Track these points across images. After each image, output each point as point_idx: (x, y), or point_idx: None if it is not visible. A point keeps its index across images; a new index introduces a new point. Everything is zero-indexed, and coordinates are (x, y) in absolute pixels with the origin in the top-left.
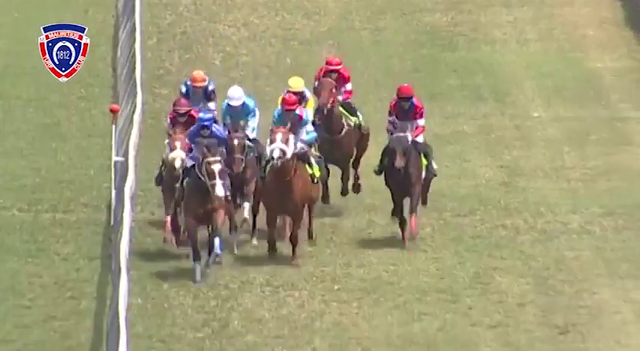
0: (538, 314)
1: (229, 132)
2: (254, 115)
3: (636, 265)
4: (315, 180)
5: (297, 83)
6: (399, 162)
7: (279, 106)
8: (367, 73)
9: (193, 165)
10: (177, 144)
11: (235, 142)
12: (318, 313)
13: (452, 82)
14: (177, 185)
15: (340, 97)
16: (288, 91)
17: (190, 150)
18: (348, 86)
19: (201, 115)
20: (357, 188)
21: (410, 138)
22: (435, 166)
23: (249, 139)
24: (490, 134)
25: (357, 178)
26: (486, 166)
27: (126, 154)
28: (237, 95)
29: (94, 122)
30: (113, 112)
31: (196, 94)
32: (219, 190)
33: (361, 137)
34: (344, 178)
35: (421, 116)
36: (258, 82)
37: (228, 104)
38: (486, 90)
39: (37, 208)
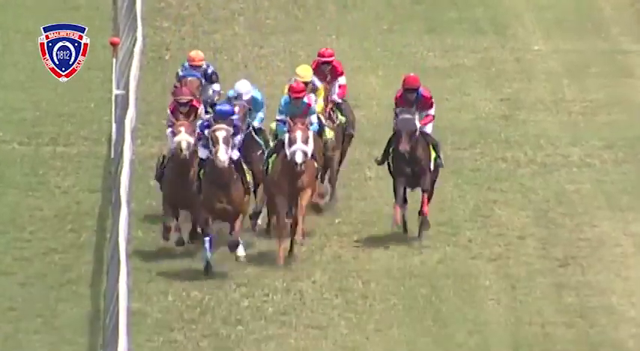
0: (538, 247)
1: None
2: (262, 106)
3: (636, 198)
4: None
5: (305, 71)
6: (404, 145)
7: (287, 94)
8: (367, 7)
9: (208, 156)
10: (182, 128)
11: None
12: (319, 246)
13: (452, 14)
14: (195, 182)
15: (335, 97)
16: (297, 81)
17: (200, 139)
18: (342, 80)
19: (219, 107)
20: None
21: (417, 121)
22: (442, 159)
23: (256, 131)
24: (490, 67)
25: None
26: (486, 100)
27: (126, 87)
28: (244, 90)
29: (94, 55)
30: (113, 45)
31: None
32: (222, 155)
33: (343, 139)
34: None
35: (431, 106)
36: (259, 15)
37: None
38: (486, 23)
39: (38, 141)
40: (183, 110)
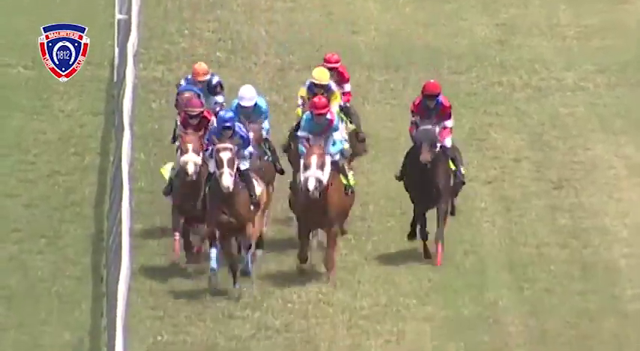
0: (532, 170)
1: (247, 120)
2: (266, 117)
3: (629, 121)
4: (349, 191)
5: (322, 75)
6: (425, 156)
7: (308, 111)
8: None
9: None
10: (190, 146)
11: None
12: None
13: None
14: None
15: (341, 101)
16: (312, 83)
17: (206, 150)
18: (347, 87)
19: (221, 114)
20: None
21: (437, 130)
22: (463, 171)
23: (265, 140)
24: None
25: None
26: (482, 25)
27: (128, 12)
28: (249, 95)
29: None
30: None
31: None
32: (226, 180)
33: (356, 145)
34: None
35: (449, 117)
36: None
37: (239, 104)
38: None
39: (42, 65)
40: (193, 122)
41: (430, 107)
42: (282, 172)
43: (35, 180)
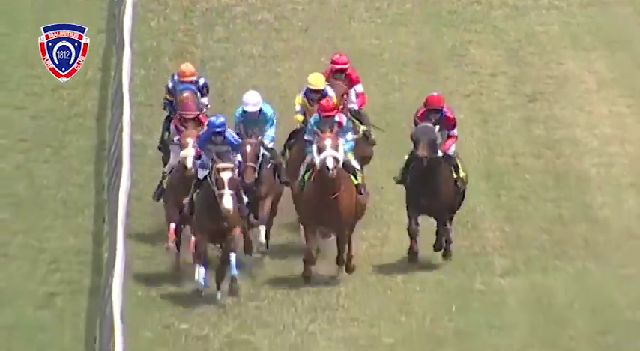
0: (509, 84)
1: (242, 138)
2: (272, 124)
3: (599, 39)
4: (362, 191)
5: (317, 80)
6: (423, 151)
7: (316, 114)
8: None
9: (205, 177)
10: (189, 141)
11: (247, 148)
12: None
13: None
14: (187, 199)
15: (354, 105)
16: (308, 88)
17: (199, 157)
18: (359, 88)
19: (212, 119)
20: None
21: (437, 129)
22: (462, 174)
23: (266, 148)
24: None
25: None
26: None
27: None
28: (253, 100)
29: None
30: None
31: None
32: (227, 202)
33: (366, 148)
34: None
35: (453, 127)
36: None
37: (244, 110)
38: None
39: None
40: (187, 125)
41: (433, 121)
42: (286, 183)
43: (41, 93)
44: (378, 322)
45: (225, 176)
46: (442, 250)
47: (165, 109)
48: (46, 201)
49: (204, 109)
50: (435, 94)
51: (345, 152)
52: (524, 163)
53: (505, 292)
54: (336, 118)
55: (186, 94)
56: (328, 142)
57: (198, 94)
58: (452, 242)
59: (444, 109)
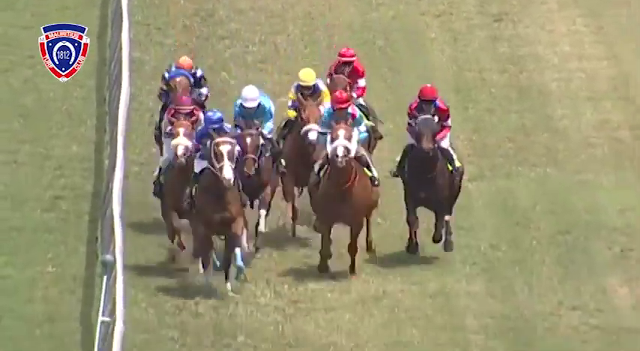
0: (477, 4)
1: (241, 130)
2: (271, 116)
3: None
4: (376, 182)
5: (308, 76)
6: (427, 144)
7: (329, 106)
8: None
9: (203, 169)
10: (180, 130)
11: (248, 140)
12: (291, 3)
13: None
14: (186, 193)
15: (354, 94)
16: (299, 85)
17: (197, 150)
18: (362, 82)
19: (209, 114)
20: None
21: (442, 136)
22: (457, 165)
23: (265, 138)
24: None
25: None
26: None
27: None
28: (252, 96)
29: None
30: None
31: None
32: (227, 173)
33: (371, 141)
34: None
35: (447, 118)
36: None
37: (242, 105)
38: None
39: None
40: (182, 117)
41: (427, 111)
42: (283, 173)
43: (47, 13)
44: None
45: (225, 149)
46: (443, 242)
47: (160, 98)
48: (51, 112)
49: (204, 99)
50: (429, 85)
51: (359, 142)
52: (490, 78)
53: (473, 196)
54: (349, 110)
55: (178, 79)
56: (341, 133)
57: (192, 79)
58: (452, 233)
59: (437, 101)
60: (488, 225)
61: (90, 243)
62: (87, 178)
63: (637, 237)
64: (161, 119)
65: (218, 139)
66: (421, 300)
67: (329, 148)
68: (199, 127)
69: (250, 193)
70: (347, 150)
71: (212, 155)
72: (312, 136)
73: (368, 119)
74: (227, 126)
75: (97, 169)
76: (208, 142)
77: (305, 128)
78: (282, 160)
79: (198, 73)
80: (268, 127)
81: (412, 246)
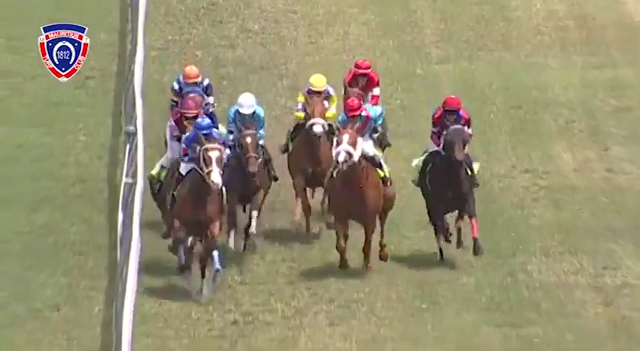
0: None
1: (241, 131)
2: (263, 124)
3: None
4: (389, 182)
5: (319, 81)
6: (459, 154)
7: (343, 113)
8: None
9: (189, 171)
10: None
11: (248, 140)
12: None
13: None
14: (170, 193)
15: (368, 103)
16: (310, 89)
17: (185, 154)
18: (376, 91)
19: (198, 120)
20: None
21: (467, 130)
22: (476, 178)
23: (261, 146)
24: None
25: None
26: None
27: None
28: (248, 103)
29: None
30: None
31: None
32: (216, 178)
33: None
34: None
35: (468, 127)
36: None
37: (238, 111)
38: None
39: None
40: (188, 124)
41: (450, 121)
42: (275, 178)
43: None
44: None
45: (214, 155)
46: (472, 248)
47: (172, 109)
48: (82, 5)
49: (211, 109)
50: (453, 96)
51: (374, 139)
52: None
53: (440, 76)
54: (363, 114)
55: (192, 95)
56: (345, 137)
57: (205, 97)
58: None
59: (461, 111)
60: None
61: (115, 116)
62: (112, 61)
63: (578, 110)
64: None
65: (208, 145)
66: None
67: (333, 152)
68: (188, 133)
69: (244, 196)
70: (349, 155)
71: (201, 160)
72: (317, 129)
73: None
74: (216, 132)
75: (120, 52)
76: (197, 148)
77: (310, 121)
78: (288, 162)
79: (205, 82)
80: (261, 135)
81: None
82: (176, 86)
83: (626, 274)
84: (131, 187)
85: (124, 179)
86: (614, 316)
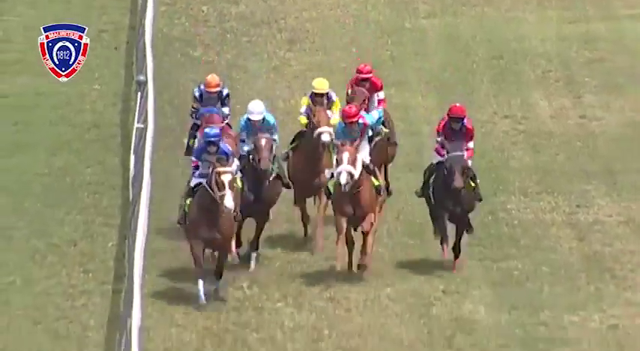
0: None
1: (256, 134)
2: (275, 131)
3: None
4: (381, 192)
5: (321, 84)
6: (459, 182)
7: (340, 121)
8: None
9: (198, 183)
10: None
11: (263, 141)
12: None
13: None
14: (180, 203)
15: (375, 106)
16: (313, 93)
17: (197, 167)
18: (381, 94)
19: (207, 130)
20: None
21: (466, 157)
22: (479, 189)
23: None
24: None
25: (387, 183)
26: None
27: None
28: (257, 110)
29: None
30: None
31: (210, 99)
32: (228, 202)
33: (388, 147)
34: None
35: (471, 139)
36: None
37: (248, 118)
38: None
39: None
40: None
41: (455, 129)
42: (288, 186)
43: None
44: None
45: (226, 178)
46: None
47: (192, 116)
48: None
49: (226, 120)
50: (458, 104)
51: (378, 121)
52: None
53: (427, 29)
54: (360, 121)
55: (208, 116)
56: (345, 156)
57: (222, 116)
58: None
59: (465, 120)
60: (439, 52)
61: (127, 66)
62: (124, 16)
63: (554, 61)
64: (192, 137)
65: (220, 169)
66: None
67: (335, 172)
68: (197, 144)
69: (253, 210)
70: (350, 175)
71: (213, 182)
72: (325, 137)
73: (385, 127)
74: (223, 144)
75: (132, 8)
76: (210, 169)
77: (318, 131)
78: (288, 169)
79: (224, 92)
80: (275, 141)
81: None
82: (197, 93)
83: (597, 212)
84: (142, 132)
85: (135, 124)
86: (587, 250)
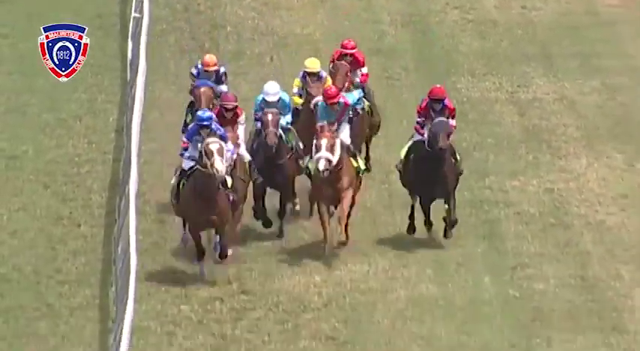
0: None
1: (262, 109)
2: (289, 110)
3: None
4: (361, 173)
5: (313, 63)
6: (443, 142)
7: (322, 101)
8: None
9: (191, 167)
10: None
11: (269, 117)
12: None
13: None
14: (172, 184)
15: (358, 80)
16: (305, 72)
17: (185, 149)
18: (364, 70)
19: (199, 113)
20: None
21: (451, 123)
22: (459, 159)
23: (284, 129)
24: None
25: (367, 156)
26: None
27: None
28: (273, 90)
29: None
30: None
31: (207, 77)
32: (218, 165)
33: (371, 122)
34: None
35: (452, 118)
36: None
37: (264, 99)
38: None
39: None
40: (228, 115)
41: (436, 110)
42: (301, 171)
43: None
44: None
45: (214, 147)
46: (444, 229)
47: (191, 94)
48: None
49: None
50: (438, 85)
51: (358, 101)
52: None
53: None
54: (341, 101)
55: (203, 89)
56: (324, 142)
57: (216, 89)
58: (457, 223)
59: (446, 100)
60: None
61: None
62: None
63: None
64: (188, 113)
65: (207, 140)
66: None
67: (314, 157)
68: (190, 125)
69: (273, 182)
70: (329, 162)
71: (203, 155)
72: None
73: (367, 101)
74: (215, 124)
75: None
76: (199, 145)
77: (314, 100)
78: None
79: (222, 70)
80: (287, 119)
81: (410, 229)
82: (194, 71)
83: (536, 91)
84: (138, 21)
85: (132, 14)
86: (527, 124)
